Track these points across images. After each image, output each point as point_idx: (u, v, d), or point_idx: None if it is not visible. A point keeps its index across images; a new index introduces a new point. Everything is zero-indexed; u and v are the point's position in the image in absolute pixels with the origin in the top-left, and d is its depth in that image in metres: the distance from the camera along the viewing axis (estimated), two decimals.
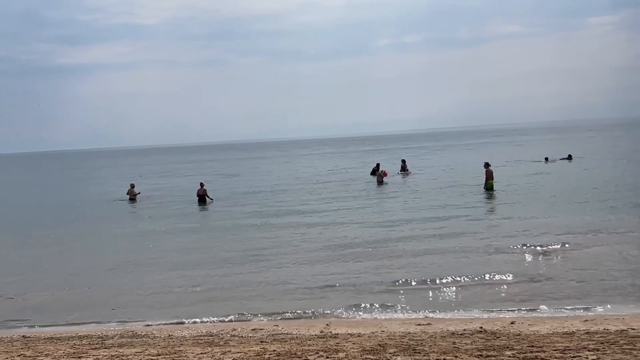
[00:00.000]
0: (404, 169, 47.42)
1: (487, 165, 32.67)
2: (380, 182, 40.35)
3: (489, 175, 31.94)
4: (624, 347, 9.07)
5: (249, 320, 13.43)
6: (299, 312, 13.71)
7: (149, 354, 10.08)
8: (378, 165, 45.78)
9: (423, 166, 55.94)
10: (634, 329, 10.39)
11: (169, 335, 11.88)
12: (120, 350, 10.49)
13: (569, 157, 51.63)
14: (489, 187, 31.64)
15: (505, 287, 14.61)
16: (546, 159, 51.93)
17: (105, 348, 10.80)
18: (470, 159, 63.62)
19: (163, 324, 13.41)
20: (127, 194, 39.33)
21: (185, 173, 70.53)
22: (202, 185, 35.94)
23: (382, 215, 25.64)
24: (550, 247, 18.08)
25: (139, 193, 39.35)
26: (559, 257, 16.99)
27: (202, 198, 35.00)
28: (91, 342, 11.40)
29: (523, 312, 12.81)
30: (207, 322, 13.43)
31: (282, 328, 12.08)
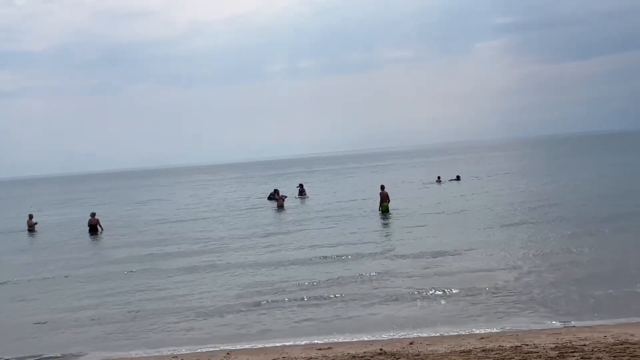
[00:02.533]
0: (301, 193, 47.71)
1: (382, 187, 33.52)
2: (280, 207, 40.36)
3: (384, 198, 32.70)
4: None
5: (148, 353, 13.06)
6: (198, 343, 13.45)
7: None
8: (276, 190, 45.85)
9: (320, 190, 56.40)
10: (527, 345, 10.75)
11: None
12: None
13: (457, 178, 53.54)
14: (384, 210, 32.33)
15: (403, 309, 14.79)
16: (438, 179, 53.68)
17: None
18: (365, 181, 64.66)
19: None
20: (27, 225, 38.34)
21: (83, 202, 68.13)
22: (93, 215, 35.04)
23: (282, 252, 23.78)
24: (444, 268, 18.45)
25: (37, 223, 38.55)
26: (453, 277, 17.32)
27: (94, 228, 34.21)
28: None
29: (421, 332, 13.01)
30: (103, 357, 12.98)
31: None
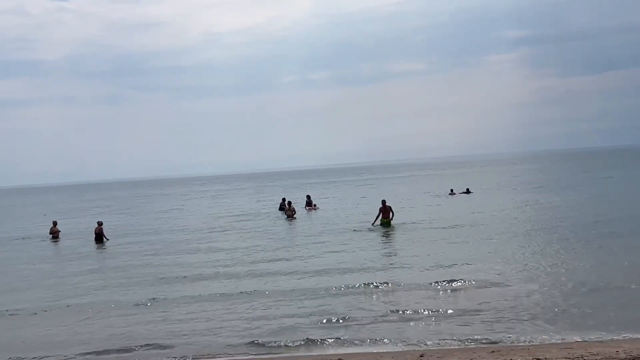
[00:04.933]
0: (309, 204, 47.69)
1: (383, 202, 33.33)
2: (290, 217, 40.56)
3: (386, 213, 32.64)
4: None
5: None
6: None
7: None
8: (284, 199, 46.00)
9: (328, 201, 56.26)
10: (538, 359, 10.66)
11: None
12: None
13: (467, 191, 53.43)
14: (385, 223, 32.26)
15: (415, 321, 14.71)
16: (451, 191, 53.67)
17: None
18: (374, 193, 64.34)
19: None
20: (50, 232, 38.41)
21: (101, 210, 67.91)
22: (99, 224, 35.06)
23: (295, 265, 22.42)
24: (453, 282, 18.22)
25: (60, 231, 38.52)
26: (463, 291, 17.24)
27: (99, 237, 34.15)
28: None
29: (432, 345, 12.91)
30: None
31: None
